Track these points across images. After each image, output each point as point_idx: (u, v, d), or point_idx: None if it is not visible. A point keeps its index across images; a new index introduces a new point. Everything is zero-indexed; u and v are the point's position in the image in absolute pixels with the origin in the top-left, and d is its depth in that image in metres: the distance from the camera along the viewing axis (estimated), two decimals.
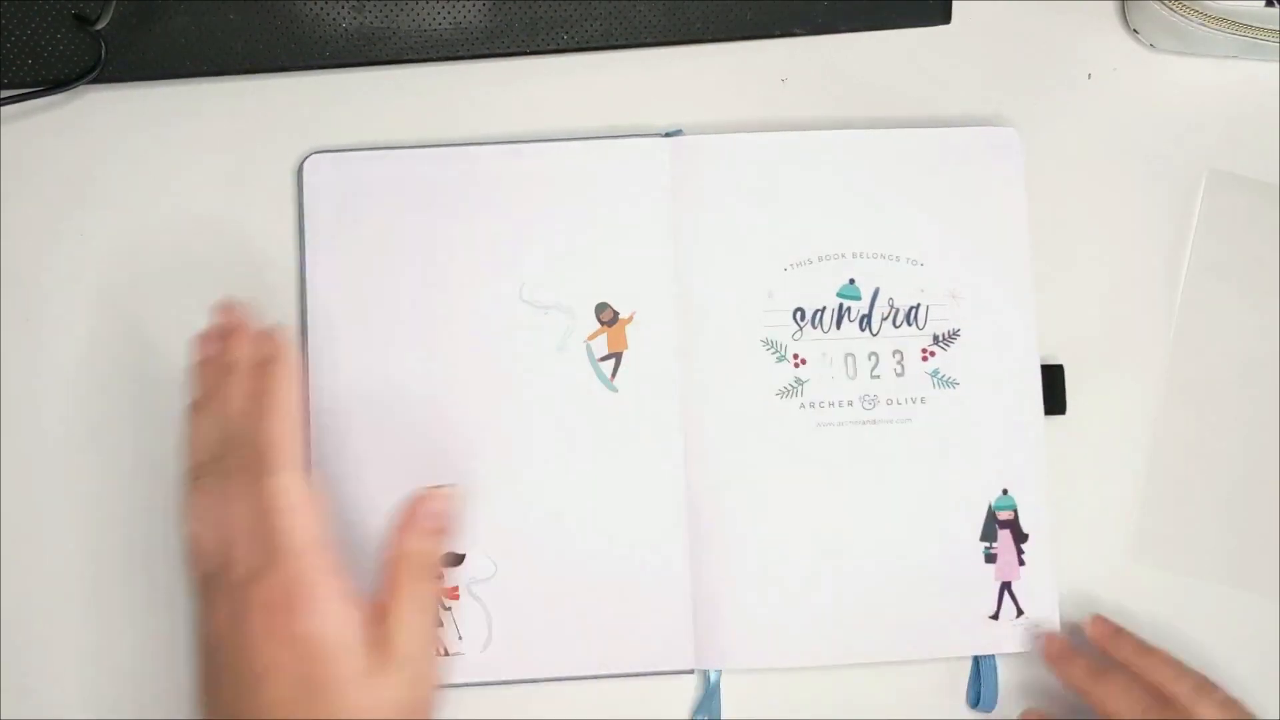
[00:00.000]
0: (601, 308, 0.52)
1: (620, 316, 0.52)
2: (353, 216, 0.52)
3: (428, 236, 0.52)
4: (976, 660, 0.52)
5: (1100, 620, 0.51)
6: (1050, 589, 0.52)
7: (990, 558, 0.52)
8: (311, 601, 0.39)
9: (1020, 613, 0.52)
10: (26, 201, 0.52)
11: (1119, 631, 0.51)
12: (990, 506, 0.52)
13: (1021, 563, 0.52)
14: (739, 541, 0.51)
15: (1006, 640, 0.52)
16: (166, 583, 0.50)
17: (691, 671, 0.51)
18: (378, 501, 0.50)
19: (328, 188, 0.52)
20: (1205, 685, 0.47)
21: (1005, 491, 0.52)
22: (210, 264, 0.52)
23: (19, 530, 0.51)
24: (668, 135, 0.53)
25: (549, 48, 0.53)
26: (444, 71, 0.54)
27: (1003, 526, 0.52)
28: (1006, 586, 0.52)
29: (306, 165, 0.53)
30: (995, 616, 0.52)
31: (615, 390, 0.52)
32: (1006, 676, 0.53)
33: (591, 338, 0.52)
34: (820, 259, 0.53)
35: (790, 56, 0.55)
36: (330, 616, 0.39)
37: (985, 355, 0.53)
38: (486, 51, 0.53)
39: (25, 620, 0.51)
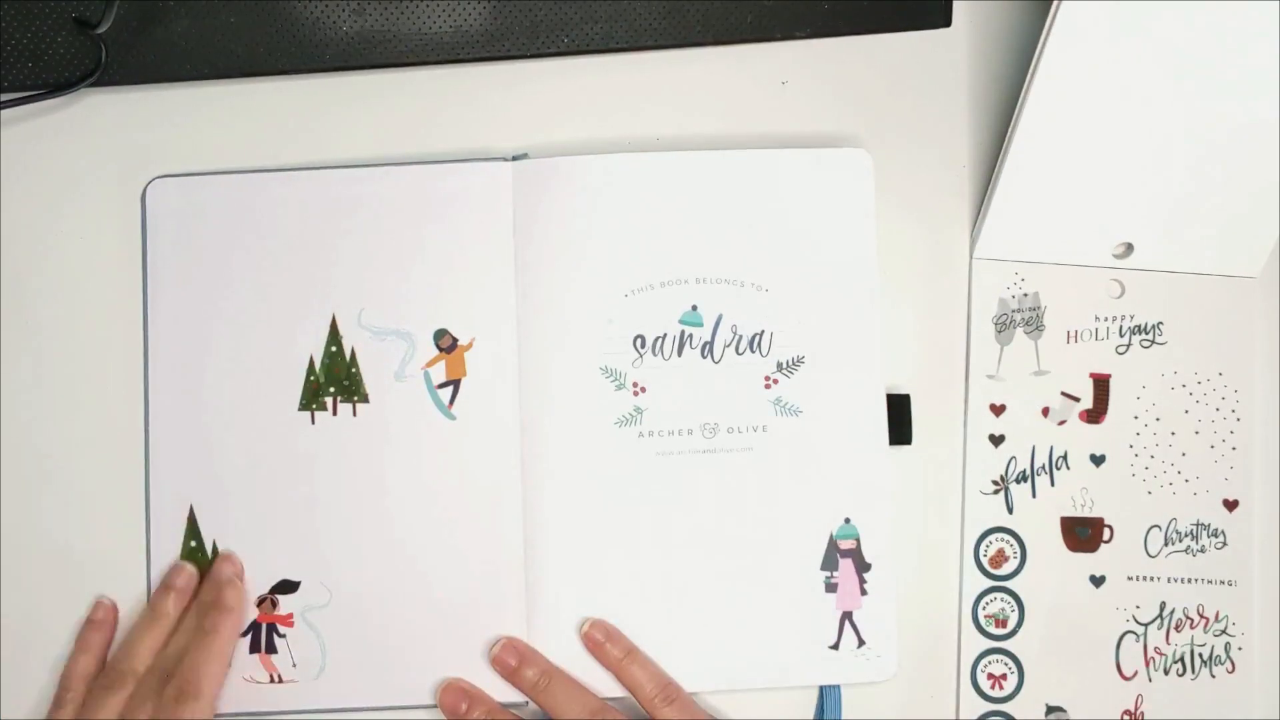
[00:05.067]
0: (440, 334, 0.52)
1: (459, 343, 0.52)
2: (195, 241, 0.52)
3: (267, 261, 0.52)
4: (822, 689, 0.52)
5: (594, 626, 0.51)
6: (891, 619, 0.52)
7: (831, 587, 0.52)
8: None
9: (861, 642, 0.52)
10: (27, 203, 0.53)
11: (609, 638, 0.50)
12: (832, 535, 0.52)
13: (864, 592, 0.52)
14: (578, 572, 0.51)
15: (847, 670, 0.52)
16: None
17: (526, 704, 0.51)
18: (211, 530, 0.51)
19: (171, 213, 0.52)
20: (671, 689, 0.50)
21: (848, 520, 0.52)
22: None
23: (20, 530, 0.52)
24: (513, 159, 0.53)
25: (549, 51, 0.53)
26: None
27: (844, 555, 0.52)
28: (848, 616, 0.52)
29: (150, 190, 0.52)
30: (836, 646, 0.52)
31: (453, 418, 0.52)
32: (854, 706, 0.52)
33: (430, 364, 0.52)
34: (662, 285, 0.52)
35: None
36: None
37: (830, 383, 0.52)
38: (487, 55, 0.53)
39: (25, 618, 0.51)
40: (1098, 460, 0.54)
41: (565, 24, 0.53)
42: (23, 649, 0.51)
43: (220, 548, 0.51)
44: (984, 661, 0.53)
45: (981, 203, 0.54)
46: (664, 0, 0.52)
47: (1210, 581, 0.54)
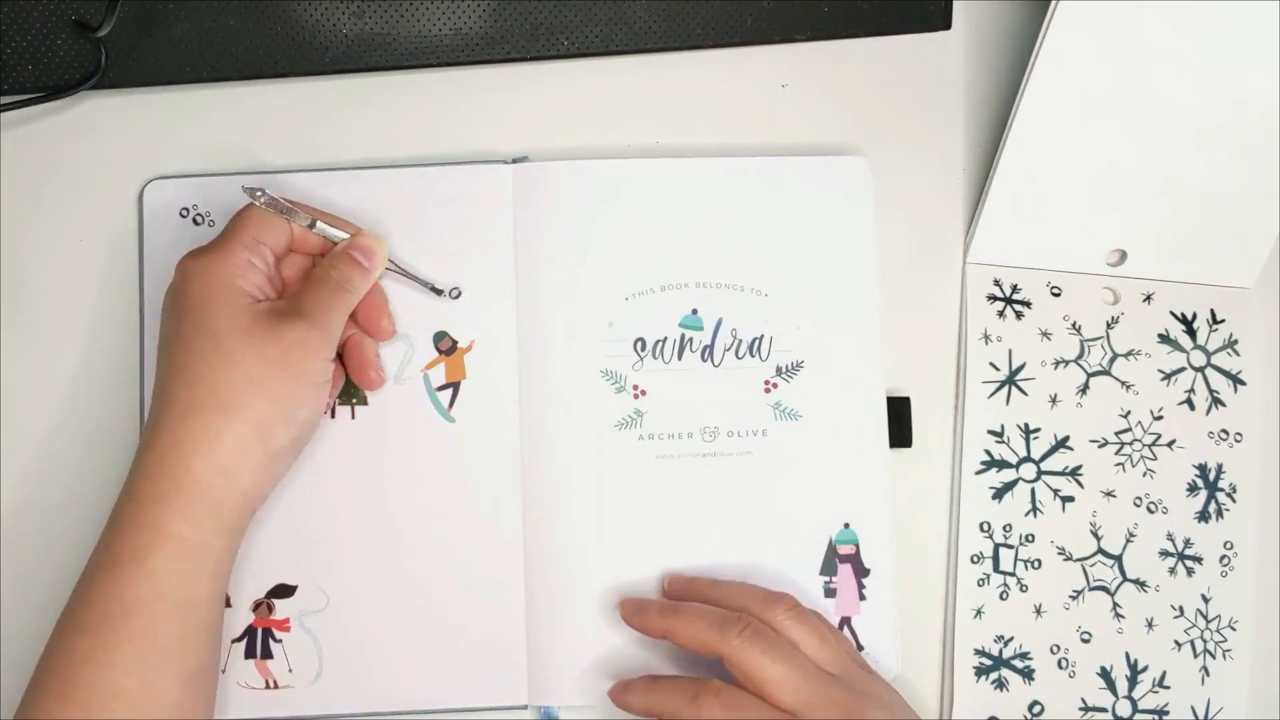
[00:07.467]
0: (440, 336, 0.52)
1: (459, 345, 0.52)
2: (192, 243, 0.51)
3: None
4: None
5: (673, 578, 0.51)
6: (891, 624, 0.52)
7: (830, 592, 0.52)
8: None
9: (860, 648, 0.51)
10: (27, 206, 0.52)
11: (692, 580, 0.50)
12: (831, 540, 0.52)
13: (862, 598, 0.52)
14: (577, 575, 0.51)
15: None
16: None
17: (525, 708, 0.51)
18: None
19: (169, 214, 0.52)
20: (774, 596, 0.48)
21: (847, 525, 0.52)
22: None
23: (19, 530, 0.51)
24: (513, 162, 0.53)
25: (549, 53, 0.53)
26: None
27: (844, 561, 0.52)
28: (846, 621, 0.52)
29: (147, 191, 0.52)
30: None
31: (452, 421, 0.51)
32: None
33: (429, 367, 0.52)
34: (662, 288, 0.52)
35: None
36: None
37: (829, 387, 0.52)
38: (486, 58, 0.53)
39: (25, 619, 0.51)
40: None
41: (564, 27, 0.53)
42: (22, 651, 0.50)
43: None
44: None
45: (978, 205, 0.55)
46: (664, 3, 0.53)
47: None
